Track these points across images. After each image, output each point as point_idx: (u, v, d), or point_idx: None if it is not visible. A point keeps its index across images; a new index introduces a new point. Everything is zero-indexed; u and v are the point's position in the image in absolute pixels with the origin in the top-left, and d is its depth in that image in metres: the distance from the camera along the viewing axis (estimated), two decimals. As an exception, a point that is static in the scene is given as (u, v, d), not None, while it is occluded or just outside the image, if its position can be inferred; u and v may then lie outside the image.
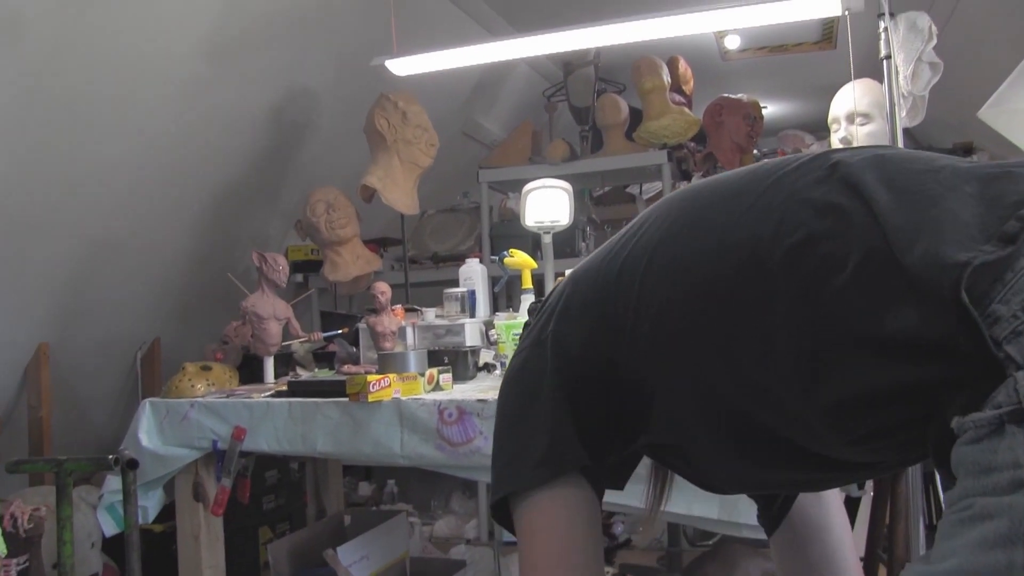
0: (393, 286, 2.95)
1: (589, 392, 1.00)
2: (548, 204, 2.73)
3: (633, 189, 5.28)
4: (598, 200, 5.33)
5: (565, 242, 3.94)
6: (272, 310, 2.82)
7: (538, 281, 2.79)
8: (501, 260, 2.67)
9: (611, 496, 1.88)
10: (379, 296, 2.74)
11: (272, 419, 2.42)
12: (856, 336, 0.79)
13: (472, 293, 2.92)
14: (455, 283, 3.08)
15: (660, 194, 4.53)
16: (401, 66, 2.76)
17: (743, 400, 0.89)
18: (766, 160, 0.97)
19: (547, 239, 2.80)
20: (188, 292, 3.84)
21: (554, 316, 1.06)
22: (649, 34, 2.45)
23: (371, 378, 2.28)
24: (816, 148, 5.38)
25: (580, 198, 4.61)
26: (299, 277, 4.28)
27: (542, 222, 2.75)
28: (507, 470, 1.03)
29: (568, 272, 1.23)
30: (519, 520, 1.02)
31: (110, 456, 2.18)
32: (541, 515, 1.00)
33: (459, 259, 3.82)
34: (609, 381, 0.99)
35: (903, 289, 0.76)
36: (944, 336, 0.74)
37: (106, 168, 3.06)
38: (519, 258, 2.61)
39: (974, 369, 0.73)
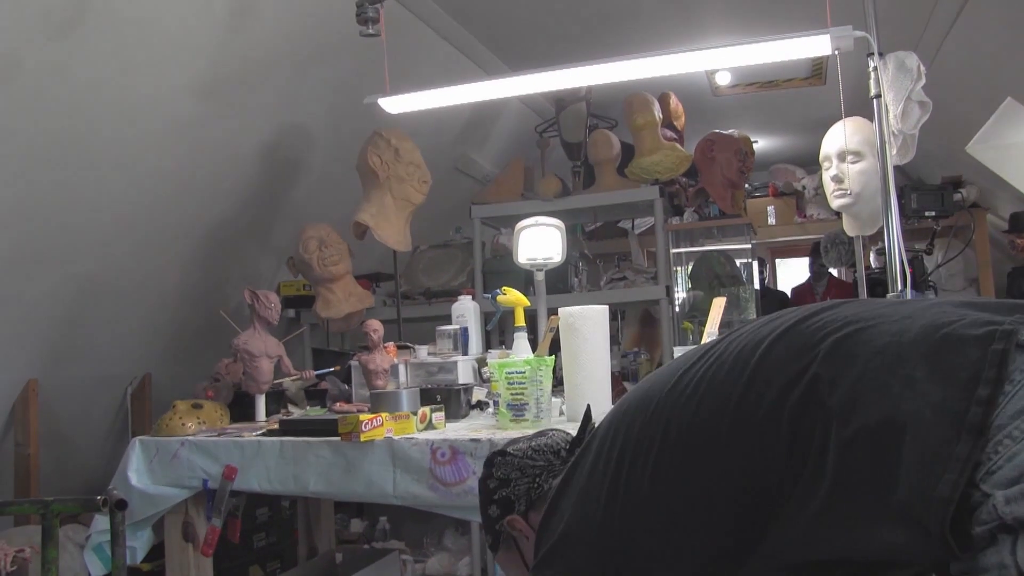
0: (385, 322, 2.94)
1: None
2: (541, 242, 2.73)
3: (625, 224, 5.30)
4: (591, 235, 5.34)
5: (558, 278, 3.94)
6: (264, 348, 2.80)
7: (530, 316, 2.78)
8: (494, 298, 2.66)
9: None
10: (371, 334, 2.73)
11: (263, 458, 2.40)
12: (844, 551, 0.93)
13: (465, 330, 2.91)
14: (448, 319, 3.07)
15: (652, 229, 4.54)
16: (394, 104, 2.77)
17: None
18: (711, 360, 1.09)
19: (540, 276, 2.80)
20: (179, 329, 3.82)
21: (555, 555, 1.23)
22: (640, 73, 2.46)
23: (363, 417, 2.26)
24: (807, 182, 5.41)
25: (572, 233, 4.62)
26: (291, 313, 4.27)
27: (535, 259, 2.75)
28: None
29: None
30: None
31: (98, 497, 2.15)
32: None
33: (452, 295, 3.82)
34: None
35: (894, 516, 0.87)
36: (925, 553, 0.87)
37: (98, 205, 3.05)
38: (512, 296, 2.61)
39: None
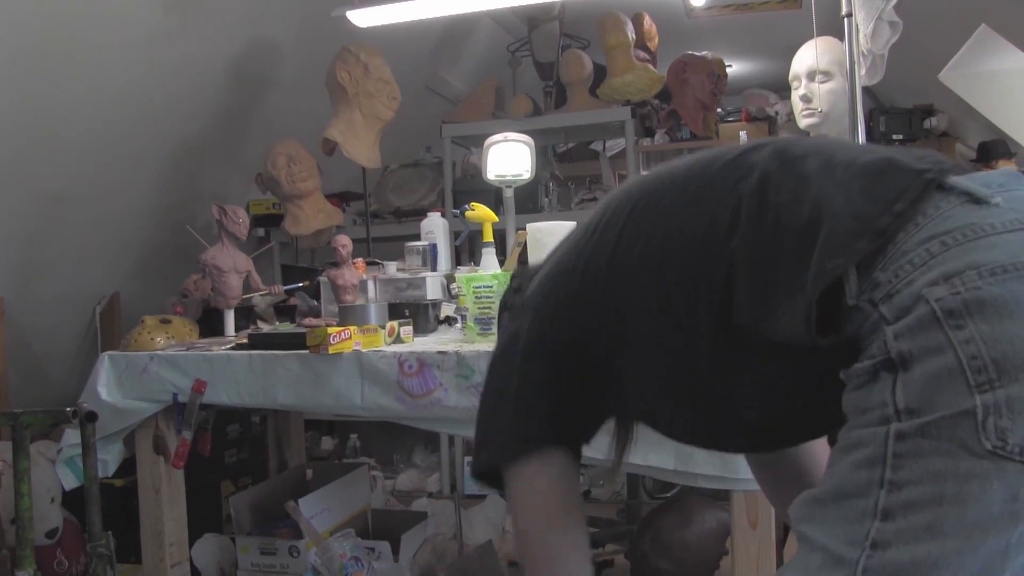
0: (355, 240, 2.94)
1: (563, 379, 1.13)
2: (510, 158, 2.73)
3: (596, 146, 5.29)
4: (562, 157, 5.33)
5: (528, 197, 3.94)
6: (232, 263, 2.80)
7: (499, 235, 2.80)
8: (463, 214, 2.67)
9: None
10: (340, 249, 2.73)
11: (232, 372, 2.42)
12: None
13: (434, 247, 2.92)
14: (417, 238, 3.07)
15: (623, 152, 4.54)
16: (363, 17, 2.73)
17: (700, 371, 1.01)
18: (705, 152, 1.08)
19: (509, 193, 2.80)
20: (148, 246, 3.80)
21: (529, 316, 1.17)
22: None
23: (332, 330, 2.28)
24: (780, 107, 5.41)
25: (543, 154, 4.62)
26: (260, 231, 4.26)
27: (504, 176, 2.75)
28: (487, 446, 1.20)
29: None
30: (507, 490, 1.17)
31: (68, 409, 2.17)
32: (522, 485, 1.15)
33: (421, 214, 3.81)
34: (583, 370, 1.11)
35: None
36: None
37: (63, 121, 3.01)
38: (480, 212, 2.61)
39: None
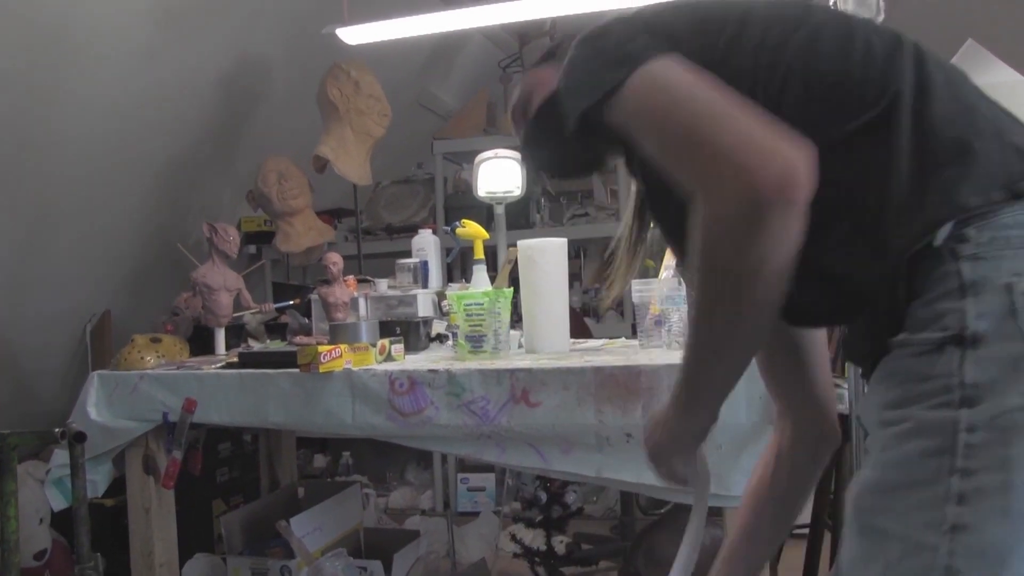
0: (346, 257, 2.94)
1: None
2: (501, 174, 2.72)
3: (588, 161, 5.28)
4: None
5: (519, 213, 3.94)
6: (223, 281, 2.79)
7: (490, 252, 2.79)
8: (453, 231, 2.66)
9: (561, 464, 1.88)
10: (331, 267, 2.72)
11: (223, 391, 2.40)
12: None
13: (425, 264, 2.91)
14: (409, 254, 3.07)
15: (615, 167, 4.54)
16: (353, 35, 2.73)
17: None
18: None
19: (500, 210, 2.80)
20: (138, 263, 3.79)
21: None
22: (606, 3, 2.45)
23: (322, 348, 2.27)
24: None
25: (535, 170, 4.61)
26: (252, 248, 4.25)
27: (495, 192, 2.75)
28: (606, 66, 1.00)
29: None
30: (635, 95, 0.96)
31: (56, 429, 2.15)
32: (665, 71, 0.96)
33: (413, 230, 3.81)
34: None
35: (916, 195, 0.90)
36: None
37: (54, 137, 3.00)
38: (471, 228, 2.61)
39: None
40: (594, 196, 4.86)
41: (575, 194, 5.30)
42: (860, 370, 1.17)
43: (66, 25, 2.75)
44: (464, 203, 3.88)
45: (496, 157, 2.70)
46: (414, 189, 4.32)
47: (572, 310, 2.59)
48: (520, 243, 2.45)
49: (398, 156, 4.50)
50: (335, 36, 2.86)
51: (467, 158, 4.33)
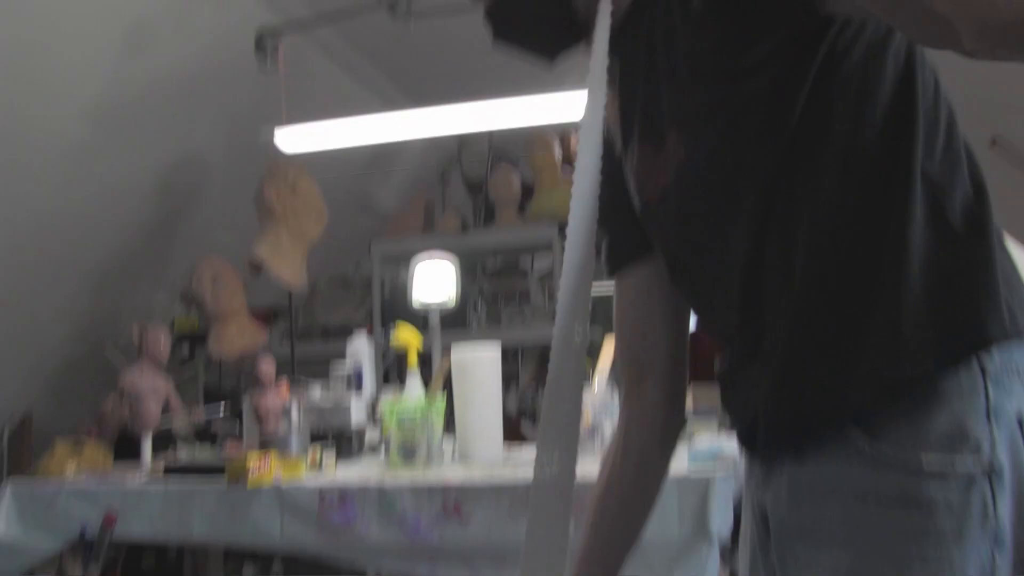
0: (280, 359, 2.89)
1: None
2: (437, 279, 2.73)
3: (525, 264, 5.32)
4: (491, 275, 5.35)
5: (456, 315, 3.93)
6: (151, 386, 2.73)
7: (425, 358, 2.77)
8: (387, 336, 2.65)
9: None
10: (262, 374, 2.68)
11: (147, 504, 2.32)
12: None
13: (359, 371, 2.88)
14: (342, 356, 3.03)
15: (551, 272, 4.58)
16: (289, 140, 2.75)
17: None
18: None
19: (435, 319, 2.80)
20: (65, 364, 3.69)
21: None
22: (541, 118, 2.50)
23: (251, 462, 2.22)
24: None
25: (472, 272, 4.63)
26: (184, 350, 4.16)
27: (429, 303, 2.75)
28: None
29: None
30: None
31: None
32: None
33: (350, 331, 3.77)
34: None
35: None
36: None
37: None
38: (406, 333, 2.59)
39: None
40: (531, 298, 4.89)
41: (513, 293, 5.34)
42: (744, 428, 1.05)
43: (2, 120, 2.73)
44: (401, 303, 3.86)
45: (431, 258, 2.71)
46: (351, 289, 4.30)
47: (510, 414, 2.58)
48: (454, 352, 2.44)
49: (336, 255, 4.49)
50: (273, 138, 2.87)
51: (405, 259, 4.33)
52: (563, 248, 3.03)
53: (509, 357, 4.77)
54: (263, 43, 2.57)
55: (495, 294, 4.77)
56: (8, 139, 2.80)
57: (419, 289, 2.74)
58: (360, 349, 2.94)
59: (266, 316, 4.19)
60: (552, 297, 4.45)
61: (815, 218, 0.94)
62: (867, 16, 0.89)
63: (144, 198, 3.50)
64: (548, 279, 4.81)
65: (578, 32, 1.09)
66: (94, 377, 3.66)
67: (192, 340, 4.09)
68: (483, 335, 4.05)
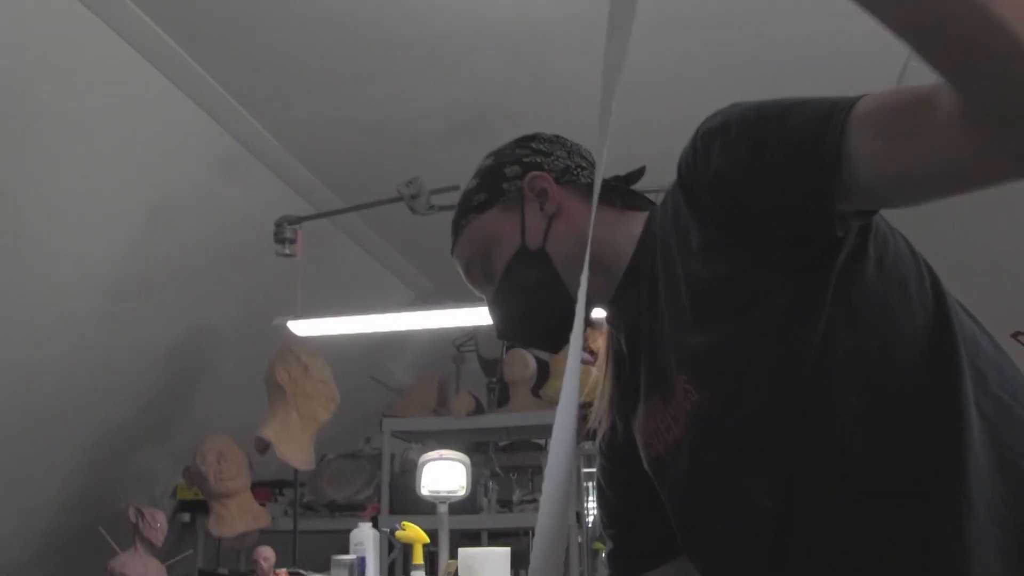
0: (283, 534, 2.78)
1: None
2: (445, 475, 2.66)
3: (539, 439, 5.24)
4: (504, 448, 5.26)
5: (466, 498, 3.82)
6: (144, 572, 2.63)
7: (431, 556, 2.68)
8: (392, 533, 2.55)
9: None
10: (262, 562, 2.59)
11: None
12: None
13: (362, 561, 2.77)
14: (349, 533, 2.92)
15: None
16: (303, 328, 2.74)
17: None
18: None
19: (443, 508, 2.71)
20: (63, 532, 3.57)
21: None
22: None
23: (240, 664, 2.10)
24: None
25: (484, 451, 4.55)
26: (186, 517, 4.05)
27: (438, 492, 2.67)
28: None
29: None
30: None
31: None
32: None
33: (357, 509, 3.68)
34: None
35: None
36: None
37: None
38: (411, 532, 2.51)
39: None
40: (544, 474, 4.77)
41: (525, 469, 5.21)
42: None
43: (12, 292, 2.74)
44: (411, 483, 3.77)
45: (441, 459, 2.64)
46: (360, 465, 4.21)
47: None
48: (461, 553, 2.36)
49: (346, 428, 4.42)
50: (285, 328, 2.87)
51: (416, 437, 4.28)
52: (576, 433, 2.97)
53: (519, 536, 4.63)
54: (283, 231, 2.60)
55: (507, 470, 4.66)
56: (18, 309, 2.80)
57: (428, 479, 2.66)
58: (364, 537, 2.84)
59: (271, 488, 4.10)
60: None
61: (845, 477, 0.87)
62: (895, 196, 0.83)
63: (152, 370, 3.47)
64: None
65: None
66: (91, 547, 3.55)
67: (193, 508, 3.99)
68: (493, 519, 3.95)
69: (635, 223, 1.13)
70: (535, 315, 1.15)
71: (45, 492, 3.40)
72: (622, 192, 1.18)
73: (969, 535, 0.82)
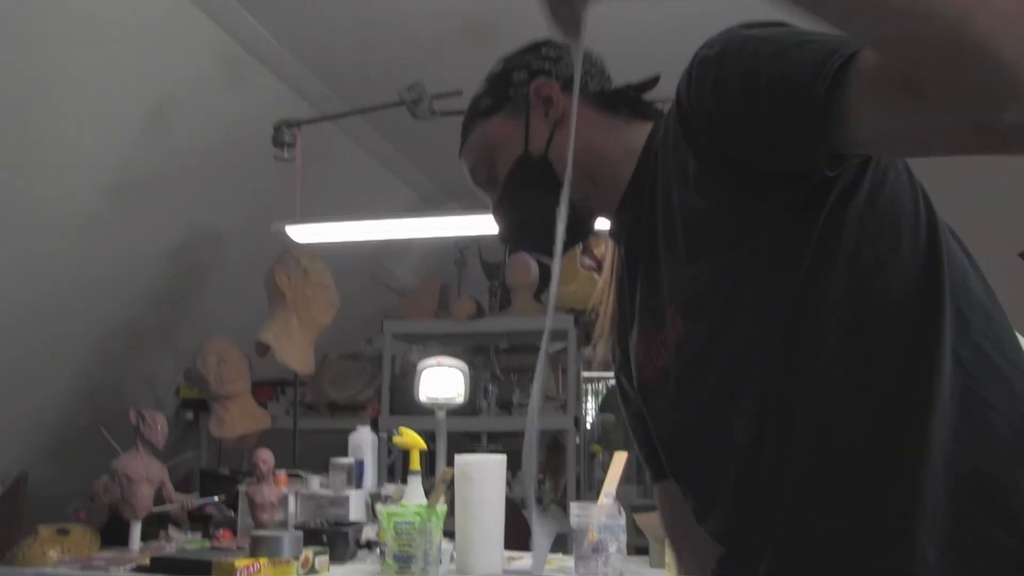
0: (283, 432, 2.81)
1: None
2: (443, 381, 2.66)
3: (538, 341, 5.25)
4: (503, 351, 5.28)
5: (466, 402, 3.85)
6: (145, 472, 2.65)
7: (430, 458, 2.70)
8: (390, 439, 2.57)
9: None
10: (260, 464, 2.61)
11: (129, 599, 2.25)
12: None
13: (360, 463, 2.81)
14: (351, 432, 2.95)
15: (564, 351, 4.51)
16: (301, 233, 2.71)
17: None
18: None
19: (441, 415, 2.72)
20: (66, 428, 3.63)
21: None
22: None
23: (239, 564, 2.13)
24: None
25: (485, 353, 4.57)
26: (189, 415, 4.10)
27: (436, 399, 2.68)
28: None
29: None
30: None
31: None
32: None
33: (358, 409, 3.71)
34: None
35: None
36: None
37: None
38: (408, 437, 2.51)
39: None
40: (543, 386, 4.80)
41: (526, 371, 5.24)
42: None
43: (13, 194, 2.71)
44: (410, 386, 3.79)
45: (439, 365, 2.64)
46: (361, 366, 4.23)
47: (511, 504, 2.48)
48: (457, 460, 2.37)
49: (349, 330, 4.44)
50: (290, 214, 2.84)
51: (417, 340, 4.29)
52: (577, 337, 2.97)
53: (515, 444, 4.68)
54: (281, 135, 2.55)
55: (508, 371, 4.69)
56: (21, 208, 2.78)
57: (426, 385, 2.66)
58: (362, 442, 2.87)
59: (272, 388, 4.13)
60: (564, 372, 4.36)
61: (816, 412, 0.88)
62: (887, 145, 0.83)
63: (154, 272, 3.47)
64: (562, 357, 4.73)
65: (580, 229, 1.14)
66: (95, 443, 3.60)
67: (196, 407, 4.03)
68: (491, 422, 3.99)
69: (641, 135, 1.11)
70: (536, 221, 1.12)
71: (51, 387, 3.44)
72: (631, 101, 1.16)
73: (923, 479, 0.83)
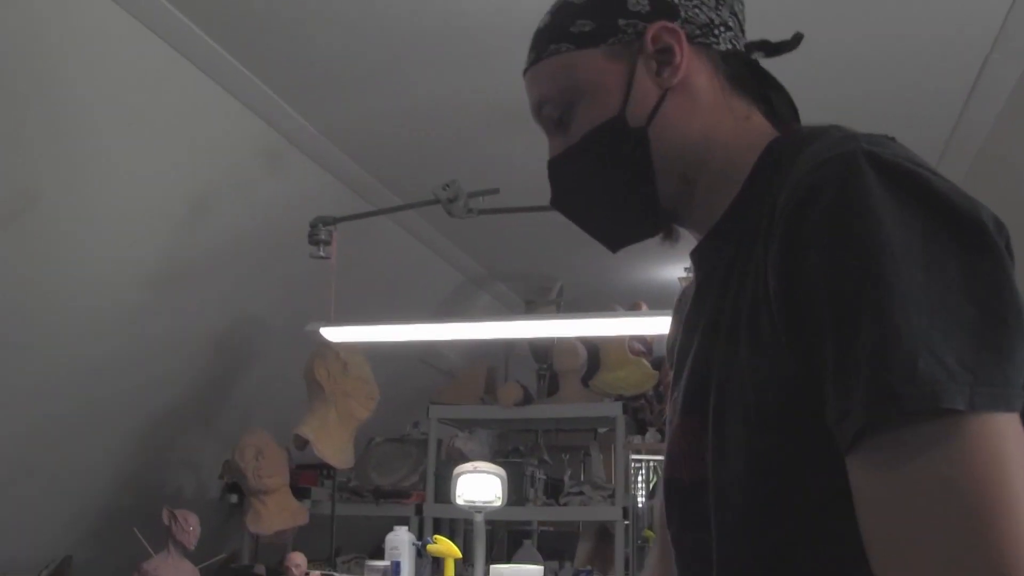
0: (327, 516, 2.68)
1: None
2: (480, 485, 2.58)
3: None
4: (552, 431, 5.18)
5: (513, 488, 3.76)
6: (175, 575, 2.60)
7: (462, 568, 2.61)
8: (424, 547, 2.49)
9: None
10: (293, 569, 2.55)
11: None
12: None
13: (397, 565, 2.73)
14: (395, 521, 2.88)
15: (612, 431, 4.39)
16: (335, 335, 2.67)
17: None
18: None
19: (479, 518, 2.63)
20: (109, 513, 3.61)
21: None
22: (600, 329, 2.38)
23: None
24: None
25: (533, 437, 4.49)
26: (233, 498, 4.06)
27: (474, 502, 2.59)
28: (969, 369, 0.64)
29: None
30: (964, 442, 0.63)
31: None
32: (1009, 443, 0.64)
33: (402, 496, 3.64)
34: None
35: None
36: None
37: (27, 391, 2.91)
38: (443, 546, 2.44)
39: None
40: (591, 465, 4.70)
41: (577, 449, 5.12)
42: None
43: (54, 285, 2.72)
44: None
45: (475, 471, 2.56)
46: (407, 450, 4.16)
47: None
48: (493, 569, 2.28)
49: (396, 411, 4.38)
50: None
51: (463, 425, 4.21)
52: (626, 425, 2.83)
53: (566, 534, 4.57)
54: (317, 233, 2.52)
55: (557, 451, 4.57)
56: (66, 297, 2.79)
57: (463, 489, 2.58)
58: (400, 542, 2.79)
59: (317, 472, 4.07)
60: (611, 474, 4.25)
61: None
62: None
63: (200, 355, 3.45)
64: (610, 443, 4.60)
65: (647, 229, 0.94)
66: (139, 526, 3.58)
67: (241, 491, 3.98)
68: (538, 512, 3.88)
69: (758, 135, 0.88)
70: (605, 200, 0.93)
71: (96, 473, 3.43)
72: (763, 76, 0.93)
73: None
